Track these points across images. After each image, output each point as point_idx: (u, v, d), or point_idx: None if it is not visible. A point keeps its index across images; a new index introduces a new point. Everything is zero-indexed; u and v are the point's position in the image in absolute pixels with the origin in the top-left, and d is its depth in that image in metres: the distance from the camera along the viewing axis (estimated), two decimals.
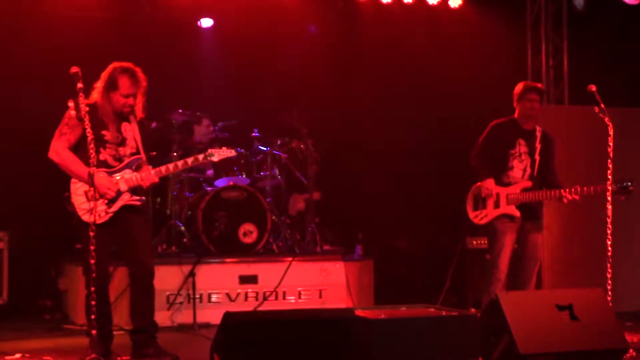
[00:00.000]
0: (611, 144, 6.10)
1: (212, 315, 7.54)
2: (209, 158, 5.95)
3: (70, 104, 5.36)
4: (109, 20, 9.20)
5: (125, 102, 5.69)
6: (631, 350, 5.60)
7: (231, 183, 8.62)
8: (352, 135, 10.36)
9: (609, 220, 6.09)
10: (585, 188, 6.64)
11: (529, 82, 7.10)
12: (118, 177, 5.67)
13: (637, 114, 9.22)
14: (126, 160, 5.73)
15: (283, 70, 9.89)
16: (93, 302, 5.14)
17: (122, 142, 5.76)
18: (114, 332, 5.95)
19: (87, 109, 5.22)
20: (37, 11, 8.83)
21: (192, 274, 7.55)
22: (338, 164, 9.97)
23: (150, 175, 5.71)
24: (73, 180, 5.64)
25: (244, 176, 9.01)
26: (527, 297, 5.95)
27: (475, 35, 9.88)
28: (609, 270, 6.02)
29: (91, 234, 5.13)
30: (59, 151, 5.63)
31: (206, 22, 9.92)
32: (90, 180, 5.27)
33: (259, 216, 8.43)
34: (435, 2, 9.88)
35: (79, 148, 5.64)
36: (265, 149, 9.18)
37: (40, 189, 8.68)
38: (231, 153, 6.07)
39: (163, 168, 5.81)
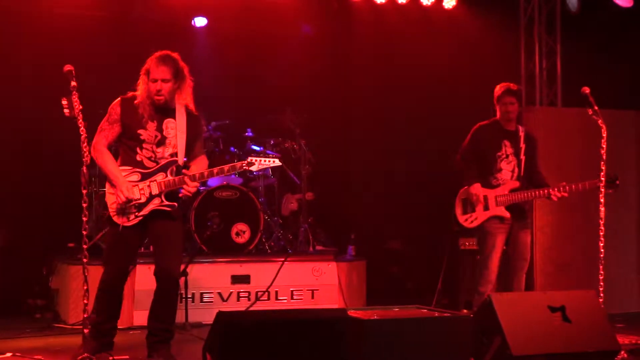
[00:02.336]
0: (604, 146, 6.11)
1: (204, 315, 7.54)
2: (247, 167, 5.69)
3: (64, 102, 5.32)
4: (102, 18, 9.18)
5: (154, 87, 5.45)
6: (623, 352, 5.61)
7: (224, 183, 8.61)
8: (345, 136, 10.37)
9: (601, 222, 6.10)
10: (573, 185, 6.69)
11: (504, 85, 7.03)
12: (149, 181, 5.52)
13: (630, 116, 9.25)
14: (162, 162, 5.57)
15: (277, 70, 9.89)
16: (85, 301, 5.10)
17: (161, 142, 5.55)
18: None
19: (81, 107, 5.14)
20: (30, 9, 8.81)
21: (184, 273, 7.53)
22: (331, 164, 9.97)
23: (189, 183, 5.53)
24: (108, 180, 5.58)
25: (236, 176, 9.00)
26: (520, 298, 5.94)
27: (469, 36, 9.88)
28: (601, 272, 6.03)
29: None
30: (96, 147, 5.52)
31: (200, 22, 9.91)
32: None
33: (251, 216, 8.43)
34: (429, 3, 9.88)
35: (121, 144, 5.59)
36: (258, 148, 9.18)
37: (32, 187, 8.68)
38: (274, 163, 5.81)
39: (197, 174, 5.58)
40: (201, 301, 7.80)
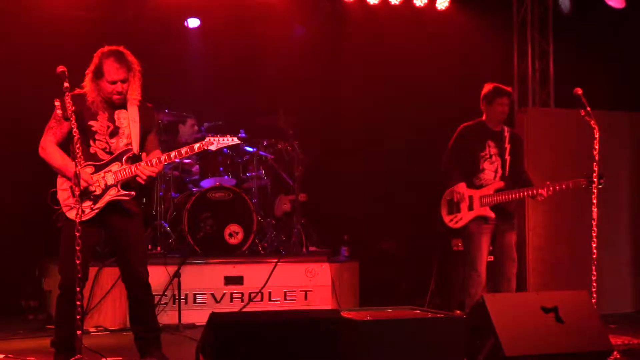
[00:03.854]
0: (597, 146, 6.12)
1: (197, 316, 7.53)
2: (206, 147, 5.49)
3: (57, 103, 5.29)
4: (95, 19, 9.15)
5: (113, 89, 5.32)
6: (615, 352, 5.63)
7: (217, 184, 8.60)
8: (338, 137, 10.36)
9: (593, 223, 6.11)
10: (557, 185, 6.71)
11: (498, 86, 7.04)
12: (103, 172, 5.36)
13: (622, 117, 9.27)
14: (116, 153, 5.41)
15: (270, 71, 9.88)
16: (78, 302, 5.08)
17: (114, 133, 5.40)
18: (99, 333, 5.88)
19: (74, 108, 5.07)
20: (22, 10, 8.78)
21: (177, 274, 7.53)
22: (324, 166, 9.97)
23: (144, 167, 5.35)
24: (60, 175, 5.40)
25: (230, 177, 9.00)
26: (513, 299, 5.96)
27: (461, 37, 9.90)
28: (594, 272, 6.04)
29: (77, 233, 4.93)
30: (44, 146, 5.38)
31: (193, 23, 9.90)
32: (74, 179, 5.02)
33: (244, 217, 8.42)
34: (422, 4, 9.89)
35: (70, 142, 5.37)
36: (251, 149, 9.17)
37: (24, 188, 8.65)
38: (233, 140, 5.61)
39: (154, 159, 5.41)
40: (194, 302, 7.79)
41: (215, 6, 9.58)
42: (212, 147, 5.56)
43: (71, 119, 5.06)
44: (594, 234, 6.11)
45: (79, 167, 5.05)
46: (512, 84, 9.70)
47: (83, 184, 5.21)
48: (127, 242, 5.49)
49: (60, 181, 5.42)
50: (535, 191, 6.78)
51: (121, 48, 5.42)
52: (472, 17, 9.90)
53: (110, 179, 5.38)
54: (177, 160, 5.48)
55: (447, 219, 7.07)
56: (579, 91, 6.19)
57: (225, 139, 5.61)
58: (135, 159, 5.45)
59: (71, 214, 5.28)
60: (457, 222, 7.00)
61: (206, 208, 8.28)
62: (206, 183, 8.79)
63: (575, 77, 8.34)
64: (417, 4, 9.88)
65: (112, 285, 7.41)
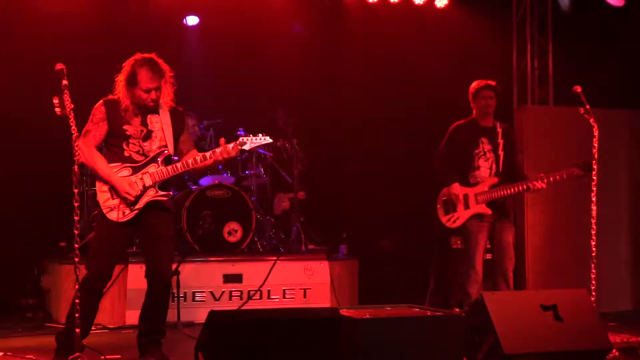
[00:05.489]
0: (596, 145, 6.12)
1: (196, 314, 7.54)
2: (240, 147, 5.56)
3: (55, 101, 5.31)
4: (94, 17, 9.14)
5: (147, 97, 5.46)
6: (614, 351, 5.64)
7: (216, 182, 8.60)
8: (337, 135, 10.36)
9: (593, 221, 6.12)
10: (550, 176, 6.72)
11: (482, 80, 7.09)
12: (141, 174, 5.49)
13: (622, 115, 9.28)
14: (151, 155, 5.54)
15: (268, 68, 9.88)
16: (77, 300, 5.10)
17: (147, 136, 5.53)
18: (98, 331, 5.89)
19: (72, 106, 5.12)
20: (21, 7, 8.78)
21: (176, 272, 7.51)
22: (323, 164, 9.97)
23: (179, 169, 5.51)
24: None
25: (228, 175, 8.99)
26: (512, 297, 5.96)
27: (461, 35, 9.90)
28: (593, 270, 6.05)
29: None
30: (84, 150, 5.42)
31: (192, 20, 9.90)
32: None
33: (243, 215, 8.42)
34: (421, 2, 9.89)
35: (107, 144, 5.55)
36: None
37: (23, 186, 8.65)
38: (267, 140, 5.69)
39: (191, 161, 5.55)
40: (193, 300, 7.79)
41: (214, 4, 9.58)
42: (246, 147, 5.66)
43: (70, 116, 5.09)
44: (593, 232, 6.11)
45: (75, 166, 5.07)
46: (511, 82, 9.70)
47: (126, 192, 5.42)
48: (157, 235, 5.59)
49: (99, 183, 5.52)
50: (530, 184, 6.78)
51: (154, 56, 5.57)
52: (471, 15, 9.90)
53: (148, 181, 5.51)
54: (216, 160, 5.61)
55: (444, 219, 7.09)
56: (578, 89, 6.19)
57: (257, 138, 5.71)
58: (169, 160, 5.61)
59: (112, 215, 5.44)
60: (454, 221, 7.01)
61: (205, 206, 8.29)
62: (205, 181, 8.79)
63: (575, 75, 8.35)
64: (417, 2, 9.87)
65: (111, 284, 7.39)
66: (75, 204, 5.06)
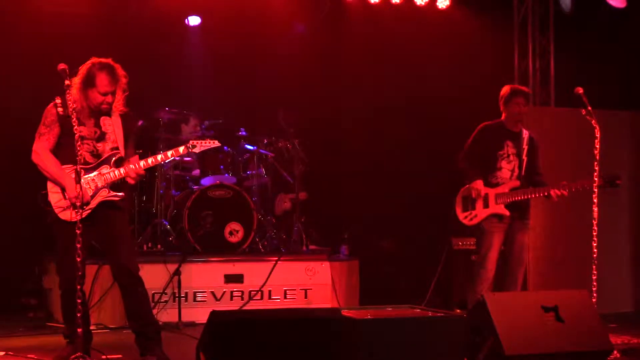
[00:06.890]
0: (598, 146, 6.12)
1: (197, 314, 7.53)
2: (190, 149, 5.81)
3: (58, 100, 5.36)
4: (96, 17, 9.14)
5: (103, 99, 5.52)
6: (615, 352, 5.64)
7: (217, 182, 8.60)
8: (338, 135, 10.36)
9: (594, 222, 6.11)
10: (572, 185, 6.69)
11: (515, 86, 7.15)
12: (94, 175, 5.53)
13: (623, 117, 9.27)
14: (104, 156, 5.60)
15: (270, 69, 9.88)
16: (79, 300, 5.10)
17: (100, 138, 5.61)
18: (99, 331, 5.88)
19: (74, 106, 5.16)
20: (23, 7, 8.77)
21: (177, 272, 7.52)
22: (324, 164, 9.96)
23: (132, 168, 5.57)
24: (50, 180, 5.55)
25: (230, 175, 8.99)
26: (513, 298, 5.95)
27: (462, 36, 9.90)
28: (594, 271, 6.04)
29: (77, 231, 5.08)
30: (39, 152, 5.52)
31: (193, 21, 9.89)
32: (76, 177, 5.18)
33: (245, 215, 8.42)
34: (423, 3, 9.89)
35: (59, 146, 5.56)
36: (251, 148, 9.17)
37: (23, 187, 8.63)
38: (214, 143, 5.90)
39: (142, 162, 5.64)
40: (194, 300, 7.79)
41: (215, 4, 9.57)
42: (196, 150, 5.86)
43: (72, 116, 5.12)
44: (594, 233, 6.11)
45: (78, 165, 5.14)
46: (513, 82, 9.65)
47: (79, 200, 5.29)
48: (114, 235, 5.63)
49: (50, 184, 5.55)
50: (550, 191, 6.76)
51: (111, 61, 5.60)
52: (473, 15, 9.91)
53: (100, 181, 5.56)
54: (165, 161, 5.79)
55: (461, 216, 7.09)
56: (580, 90, 6.19)
57: (206, 142, 5.89)
58: (121, 162, 5.65)
59: (64, 215, 5.48)
60: (471, 219, 7.01)
61: (206, 206, 8.28)
62: (206, 181, 8.79)
63: (576, 76, 8.34)
64: (418, 3, 9.89)
65: (112, 284, 7.39)
66: (77, 203, 5.08)
